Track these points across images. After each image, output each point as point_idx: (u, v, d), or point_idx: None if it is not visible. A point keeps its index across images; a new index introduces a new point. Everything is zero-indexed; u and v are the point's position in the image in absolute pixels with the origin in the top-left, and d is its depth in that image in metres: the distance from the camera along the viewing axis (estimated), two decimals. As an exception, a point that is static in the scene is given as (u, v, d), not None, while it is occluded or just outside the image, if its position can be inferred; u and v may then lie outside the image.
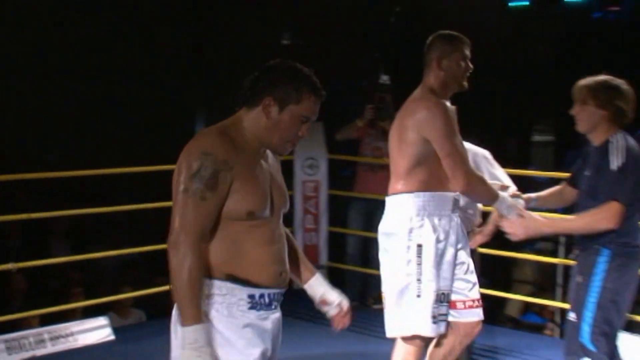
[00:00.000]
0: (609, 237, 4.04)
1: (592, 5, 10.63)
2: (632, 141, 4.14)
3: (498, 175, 5.19)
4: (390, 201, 4.06)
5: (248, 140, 2.74)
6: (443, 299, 4.01)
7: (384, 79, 7.33)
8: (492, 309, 7.45)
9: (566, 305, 6.72)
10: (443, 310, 4.01)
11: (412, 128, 3.91)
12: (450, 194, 4.02)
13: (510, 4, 11.15)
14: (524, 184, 8.67)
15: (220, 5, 9.58)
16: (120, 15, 9.02)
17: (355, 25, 10.35)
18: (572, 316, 4.23)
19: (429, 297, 3.93)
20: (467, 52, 4.07)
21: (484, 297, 7.35)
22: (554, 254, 7.32)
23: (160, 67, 9.16)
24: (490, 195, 4.07)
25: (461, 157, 3.94)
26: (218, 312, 2.68)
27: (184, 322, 2.58)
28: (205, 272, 2.65)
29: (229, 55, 9.63)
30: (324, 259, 7.86)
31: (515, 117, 11.88)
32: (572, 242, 6.94)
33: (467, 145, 4.53)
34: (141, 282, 7.19)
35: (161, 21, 9.09)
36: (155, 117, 9.10)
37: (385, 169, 6.41)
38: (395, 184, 4.02)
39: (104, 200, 7.98)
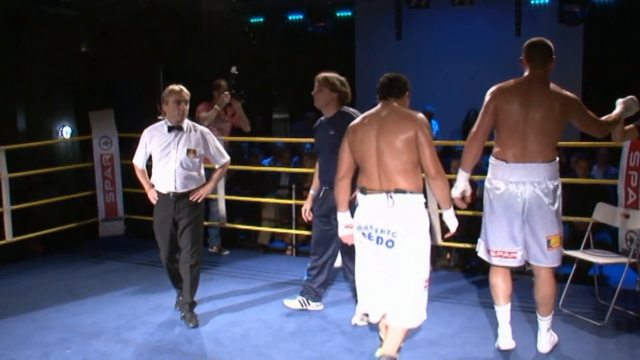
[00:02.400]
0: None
1: (307, 21, 11.00)
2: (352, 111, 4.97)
3: None
4: (550, 166, 4.10)
5: None
6: None
7: (234, 69, 6.99)
8: (249, 239, 8.02)
9: (299, 232, 7.28)
10: None
11: (562, 111, 4.04)
12: None
13: (251, 20, 11.31)
14: (268, 149, 9.40)
15: (31, 21, 9.25)
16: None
17: (139, 35, 10.23)
18: None
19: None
20: None
21: (241, 231, 7.88)
22: (289, 197, 7.59)
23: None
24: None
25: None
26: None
27: (448, 207, 3.96)
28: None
29: (43, 59, 9.39)
30: (121, 212, 7.91)
31: (260, 100, 11.99)
32: (303, 188, 7.50)
33: None
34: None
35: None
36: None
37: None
38: (551, 152, 4.11)
39: None
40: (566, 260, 6.20)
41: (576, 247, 5.42)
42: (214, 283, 6.23)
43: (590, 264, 5.72)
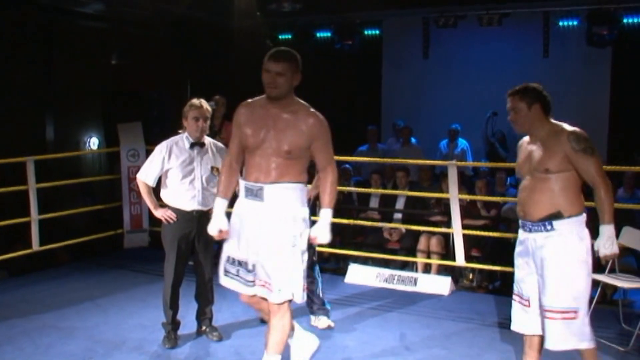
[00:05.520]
0: None
1: (334, 39, 11.01)
2: None
3: None
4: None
5: None
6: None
7: (211, 104, 6.92)
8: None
9: (321, 249, 7.19)
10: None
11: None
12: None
13: (279, 36, 11.38)
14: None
15: (64, 34, 9.36)
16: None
17: (168, 49, 10.38)
18: None
19: None
20: (266, 67, 3.66)
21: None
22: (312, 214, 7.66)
23: (18, 84, 8.85)
24: None
25: None
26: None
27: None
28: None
29: (72, 71, 9.45)
30: (146, 224, 7.98)
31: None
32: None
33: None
34: (2, 249, 6.92)
35: (19, 45, 8.86)
36: (13, 122, 8.76)
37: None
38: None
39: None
40: (591, 284, 6.18)
41: (601, 271, 5.36)
42: (236, 296, 6.22)
43: (615, 288, 5.67)
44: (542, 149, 3.71)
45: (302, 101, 3.79)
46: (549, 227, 3.68)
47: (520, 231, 3.86)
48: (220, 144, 5.10)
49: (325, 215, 3.77)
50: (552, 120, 3.78)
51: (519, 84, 3.84)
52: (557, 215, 3.65)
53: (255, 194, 3.69)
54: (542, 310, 3.72)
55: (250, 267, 3.78)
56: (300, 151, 3.67)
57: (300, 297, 3.75)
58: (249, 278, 3.81)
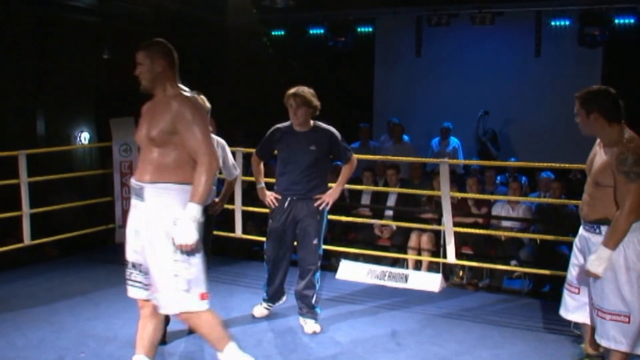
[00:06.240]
0: None
1: (327, 36, 11.04)
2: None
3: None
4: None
5: None
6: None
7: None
8: (263, 250, 8.27)
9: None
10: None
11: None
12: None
13: (272, 33, 11.39)
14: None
15: (55, 28, 9.33)
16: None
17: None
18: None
19: None
20: (137, 59, 3.70)
21: (255, 242, 7.94)
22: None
23: (9, 78, 8.81)
24: None
25: None
26: None
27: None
28: None
29: (64, 65, 9.42)
30: (137, 219, 8.04)
31: (277, 113, 12.15)
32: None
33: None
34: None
35: (10, 38, 8.78)
36: (4, 116, 8.80)
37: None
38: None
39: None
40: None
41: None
42: (229, 293, 6.28)
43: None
44: (600, 159, 3.76)
45: (182, 87, 3.64)
46: (597, 231, 3.80)
47: (581, 227, 3.98)
48: (221, 140, 5.12)
49: (188, 211, 3.38)
50: (620, 128, 3.73)
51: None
52: (605, 221, 3.72)
53: (137, 193, 3.54)
54: (593, 307, 3.83)
55: (143, 269, 3.63)
56: (165, 136, 3.44)
57: (189, 307, 3.58)
58: (138, 279, 3.68)
